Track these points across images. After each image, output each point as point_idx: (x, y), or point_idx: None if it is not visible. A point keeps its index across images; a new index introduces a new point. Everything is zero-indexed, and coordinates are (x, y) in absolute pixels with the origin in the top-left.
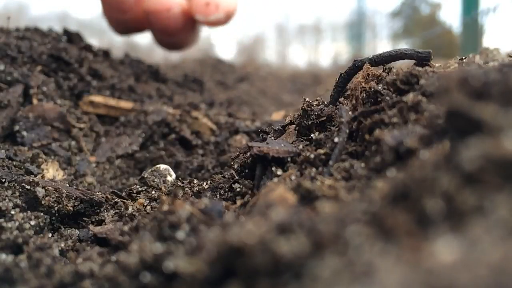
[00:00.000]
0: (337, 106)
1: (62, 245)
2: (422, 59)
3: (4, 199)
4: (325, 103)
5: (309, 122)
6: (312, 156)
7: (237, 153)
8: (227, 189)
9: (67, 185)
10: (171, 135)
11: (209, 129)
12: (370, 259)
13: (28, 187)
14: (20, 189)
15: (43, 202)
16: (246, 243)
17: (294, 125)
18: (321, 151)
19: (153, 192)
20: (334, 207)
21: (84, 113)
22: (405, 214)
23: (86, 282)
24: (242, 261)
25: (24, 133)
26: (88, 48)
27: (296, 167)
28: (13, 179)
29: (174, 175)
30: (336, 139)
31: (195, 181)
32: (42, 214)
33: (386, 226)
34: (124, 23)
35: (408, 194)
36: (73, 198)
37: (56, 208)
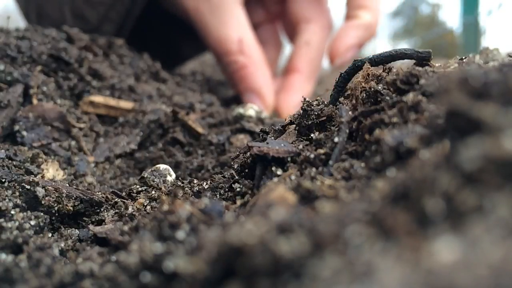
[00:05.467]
0: (337, 106)
1: (62, 245)
2: (422, 59)
3: (4, 199)
4: (325, 103)
5: (309, 122)
6: (312, 156)
7: (237, 153)
8: (227, 189)
9: (67, 185)
10: (167, 135)
11: (197, 132)
12: (370, 259)
13: (28, 187)
14: (20, 189)
15: (43, 202)
16: (246, 243)
17: (294, 125)
18: (321, 151)
19: (153, 192)
20: (334, 207)
21: (84, 113)
22: (405, 214)
23: (86, 282)
24: (242, 261)
25: (24, 133)
26: (88, 48)
27: (296, 167)
28: (13, 179)
29: (174, 175)
30: (336, 139)
31: (195, 181)
32: (42, 214)
33: (386, 226)
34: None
35: (408, 194)
36: (73, 198)
37: (56, 208)
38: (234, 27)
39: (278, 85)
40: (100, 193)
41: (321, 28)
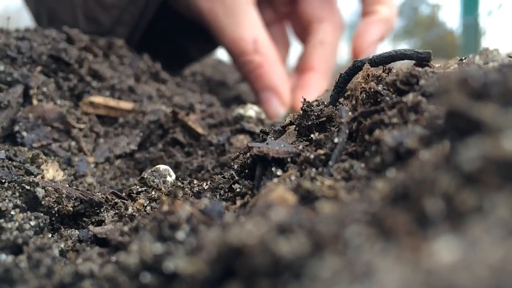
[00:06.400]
0: (337, 107)
1: (62, 245)
2: (422, 60)
3: (4, 200)
4: (325, 103)
5: (309, 123)
6: (312, 156)
7: (237, 153)
8: (227, 190)
9: (67, 185)
10: (167, 136)
11: (197, 132)
12: (369, 259)
13: (28, 187)
14: (20, 190)
15: (43, 203)
16: (246, 244)
17: (294, 126)
18: (321, 151)
19: (153, 193)
20: (334, 207)
21: (84, 114)
22: (405, 214)
23: (86, 282)
24: (241, 261)
25: (24, 133)
26: (88, 48)
27: (296, 167)
28: (13, 179)
29: (174, 176)
30: (336, 140)
31: (195, 181)
32: (42, 214)
33: (386, 226)
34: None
35: (408, 195)
36: (73, 198)
37: (56, 209)
38: (248, 28)
39: (292, 83)
40: (100, 193)
41: (333, 27)
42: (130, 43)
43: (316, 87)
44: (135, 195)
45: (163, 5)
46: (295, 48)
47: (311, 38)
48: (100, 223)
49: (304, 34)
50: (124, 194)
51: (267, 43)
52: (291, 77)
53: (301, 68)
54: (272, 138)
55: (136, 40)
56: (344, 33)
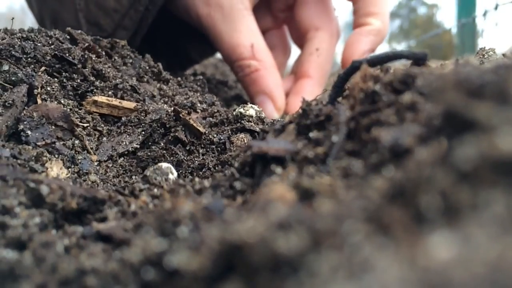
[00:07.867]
0: (335, 106)
1: (66, 242)
2: (419, 60)
3: (9, 197)
4: (324, 103)
5: (308, 122)
6: (310, 154)
7: (238, 151)
8: (227, 187)
9: (71, 183)
10: (169, 134)
11: (198, 131)
12: (367, 255)
13: (32, 185)
14: (25, 187)
15: (47, 200)
16: (246, 240)
17: (294, 124)
18: (319, 149)
19: (155, 190)
20: (332, 204)
21: (87, 113)
22: (402, 211)
23: (89, 278)
24: (241, 257)
25: (29, 132)
26: (91, 49)
27: (295, 165)
28: (17, 177)
29: (175, 173)
30: (334, 138)
31: (197, 179)
32: (46, 211)
33: (383, 223)
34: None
35: (404, 192)
36: (77, 196)
37: (60, 206)
38: (246, 34)
39: (287, 88)
40: (103, 191)
41: (330, 35)
42: (131, 47)
43: (310, 93)
44: (137, 192)
45: (164, 9)
46: (296, 52)
47: (308, 45)
48: (103, 220)
49: (301, 41)
50: (127, 191)
51: (264, 48)
52: (287, 80)
53: (296, 75)
54: (272, 137)
55: (137, 44)
56: (340, 40)
